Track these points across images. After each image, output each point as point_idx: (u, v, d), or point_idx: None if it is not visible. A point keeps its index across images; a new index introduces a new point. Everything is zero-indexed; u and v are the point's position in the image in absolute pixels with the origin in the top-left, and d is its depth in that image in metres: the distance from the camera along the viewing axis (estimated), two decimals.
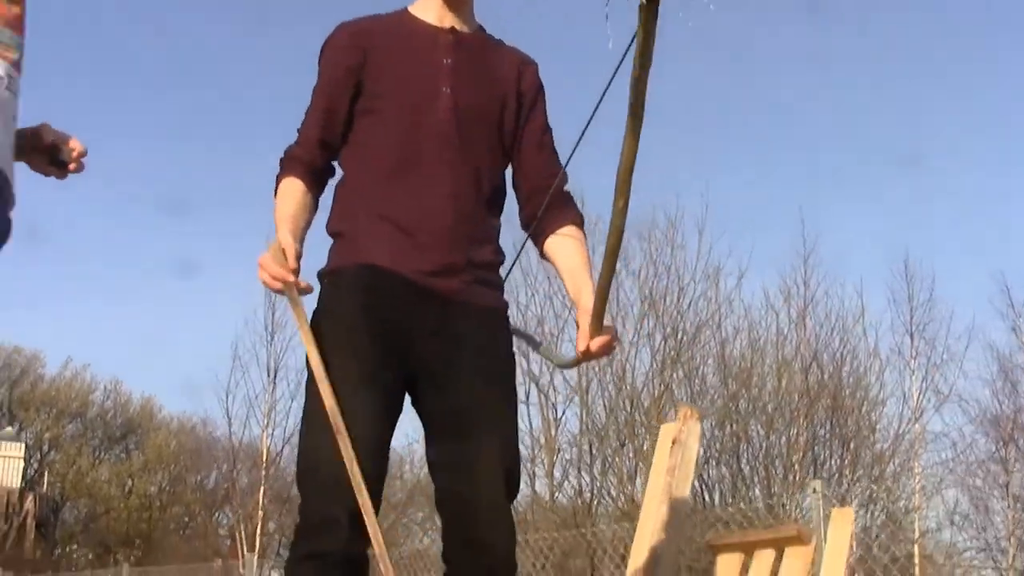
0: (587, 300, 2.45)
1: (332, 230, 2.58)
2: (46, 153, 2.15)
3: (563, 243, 2.63)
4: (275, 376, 19.97)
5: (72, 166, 2.19)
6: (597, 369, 16.05)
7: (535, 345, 3.00)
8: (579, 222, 2.67)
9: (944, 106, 25.49)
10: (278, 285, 2.38)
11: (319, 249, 2.59)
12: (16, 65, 1.74)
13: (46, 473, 30.37)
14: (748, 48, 25.11)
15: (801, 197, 22.50)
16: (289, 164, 2.57)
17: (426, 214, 2.47)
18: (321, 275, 2.54)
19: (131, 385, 32.62)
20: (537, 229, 2.67)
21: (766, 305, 17.02)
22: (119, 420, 32.21)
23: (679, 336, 16.24)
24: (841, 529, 3.51)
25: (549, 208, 2.65)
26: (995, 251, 26.34)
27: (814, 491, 5.45)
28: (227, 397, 19.93)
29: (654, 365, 16.04)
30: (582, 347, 2.43)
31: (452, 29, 2.60)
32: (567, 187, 2.70)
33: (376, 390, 2.36)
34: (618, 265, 14.80)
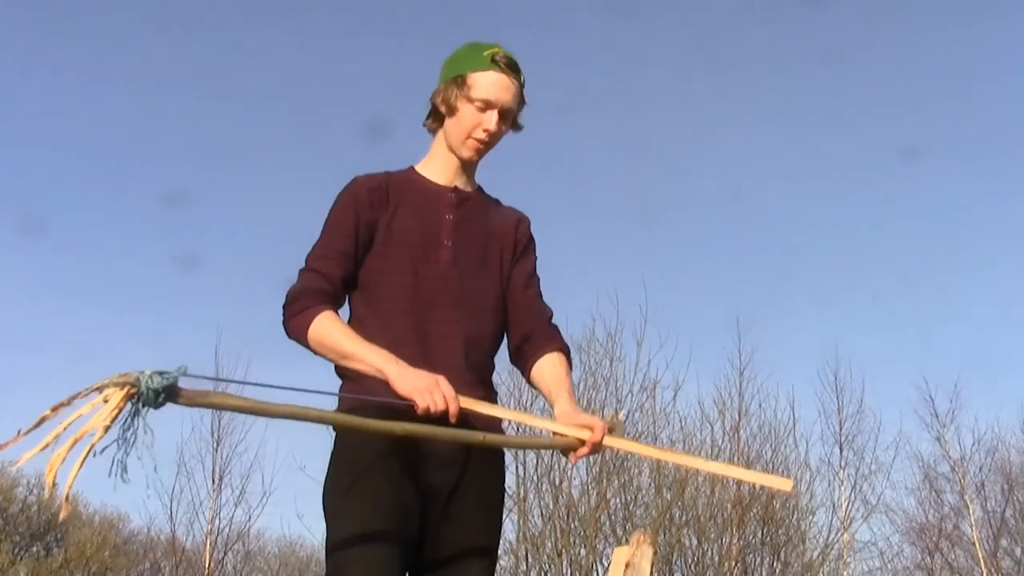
0: (562, 406, 2.67)
1: (341, 372, 2.67)
2: None
3: (546, 366, 2.80)
4: (220, 483, 20.00)
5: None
6: (535, 478, 16.26)
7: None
8: (565, 350, 2.85)
9: (872, 218, 26.44)
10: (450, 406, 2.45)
11: None
12: None
13: None
14: (683, 154, 25.96)
15: (739, 307, 23.03)
16: (320, 297, 2.62)
17: (437, 360, 2.59)
18: None
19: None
20: (524, 356, 2.85)
21: (701, 417, 17.42)
22: (42, 516, 31.51)
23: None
24: None
25: (534, 336, 2.84)
26: (919, 360, 27.07)
27: None
28: (171, 502, 19.83)
29: (591, 475, 16.18)
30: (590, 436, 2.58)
31: (455, 188, 2.82)
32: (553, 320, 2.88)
33: (397, 545, 2.50)
34: None
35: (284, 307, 2.65)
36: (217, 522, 19.89)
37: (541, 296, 2.92)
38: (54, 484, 1.72)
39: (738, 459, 16.83)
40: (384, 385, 2.49)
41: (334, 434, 2.64)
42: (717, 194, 25.38)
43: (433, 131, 2.87)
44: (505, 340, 2.89)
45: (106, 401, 1.76)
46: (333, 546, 2.51)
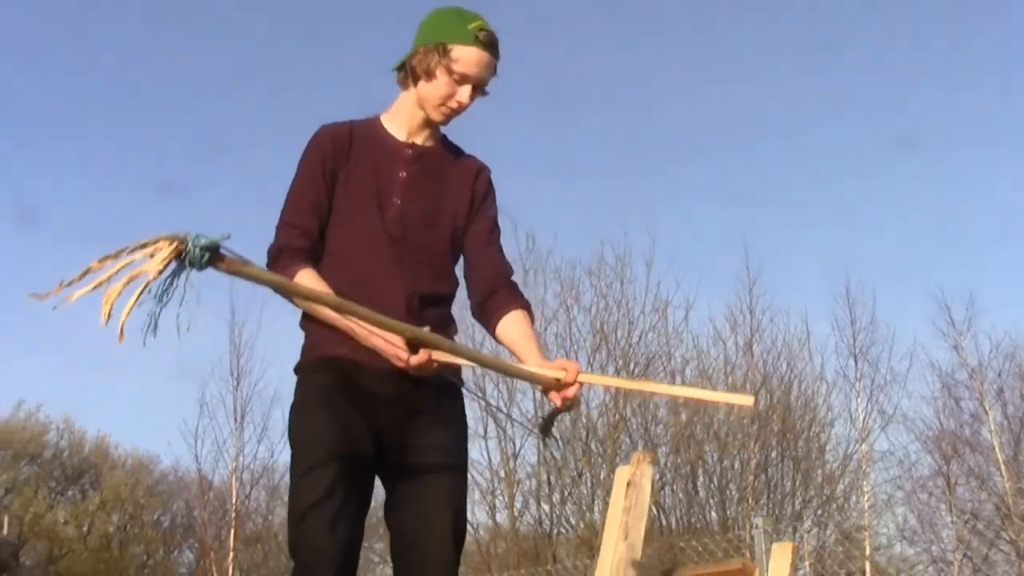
0: (534, 360, 2.74)
1: (301, 325, 2.85)
2: None
3: (512, 323, 2.87)
4: (242, 420, 20.32)
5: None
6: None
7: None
8: (527, 307, 2.92)
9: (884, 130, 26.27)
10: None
11: None
12: None
13: (5, 517, 30.13)
14: (689, 78, 25.82)
15: (745, 225, 22.95)
16: (297, 255, 2.75)
17: (380, 309, 2.61)
18: (296, 369, 2.84)
19: (84, 423, 32.30)
20: (488, 314, 2.92)
21: (714, 334, 17.52)
22: (74, 460, 31.92)
23: (631, 367, 16.62)
24: (781, 562, 3.85)
25: (497, 294, 2.92)
26: (935, 269, 26.90)
27: (756, 527, 5.73)
28: (196, 442, 20.18)
29: (608, 396, 16.38)
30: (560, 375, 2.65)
31: (413, 144, 2.90)
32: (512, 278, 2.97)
33: (346, 460, 2.63)
34: (570, 301, 15.08)
35: (266, 267, 2.71)
36: (241, 459, 20.25)
37: (501, 250, 2.99)
38: (109, 315, 1.77)
39: (753, 374, 17.01)
40: (336, 340, 2.69)
41: (295, 380, 2.82)
42: (722, 104, 25.17)
43: (403, 84, 2.92)
44: (467, 294, 2.97)
45: (152, 256, 1.80)
46: (291, 461, 2.70)
